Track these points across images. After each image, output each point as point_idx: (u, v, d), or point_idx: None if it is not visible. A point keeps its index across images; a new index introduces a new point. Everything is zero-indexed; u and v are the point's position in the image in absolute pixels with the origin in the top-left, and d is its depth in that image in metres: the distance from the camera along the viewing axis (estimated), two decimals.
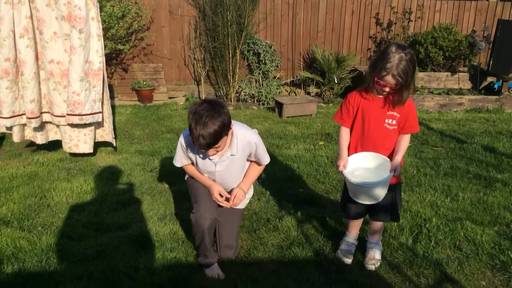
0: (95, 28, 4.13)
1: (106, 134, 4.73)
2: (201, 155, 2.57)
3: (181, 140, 2.58)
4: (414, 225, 3.21)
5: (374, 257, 2.77)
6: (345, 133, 2.63)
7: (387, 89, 2.37)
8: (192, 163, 2.71)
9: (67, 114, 4.24)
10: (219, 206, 2.69)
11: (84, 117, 4.26)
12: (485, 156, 4.77)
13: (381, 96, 2.48)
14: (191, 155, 2.59)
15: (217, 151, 2.41)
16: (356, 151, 2.61)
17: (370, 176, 2.49)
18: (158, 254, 2.84)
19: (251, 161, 2.77)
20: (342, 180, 3.66)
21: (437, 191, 3.85)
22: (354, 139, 2.62)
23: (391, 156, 2.52)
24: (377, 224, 2.81)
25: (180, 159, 2.68)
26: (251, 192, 2.94)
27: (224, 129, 2.31)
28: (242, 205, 2.84)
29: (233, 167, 2.64)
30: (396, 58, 2.28)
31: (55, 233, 3.11)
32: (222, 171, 2.60)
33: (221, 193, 2.63)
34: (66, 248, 2.92)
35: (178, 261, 2.79)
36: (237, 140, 2.53)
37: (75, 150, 4.52)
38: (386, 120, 2.51)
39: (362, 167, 2.55)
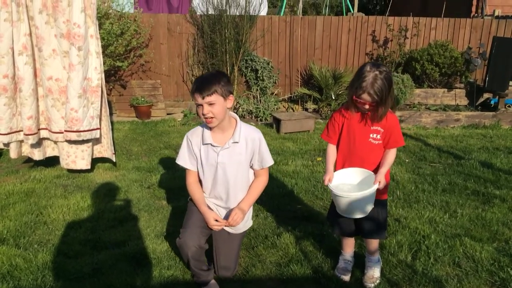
0: (94, 45, 4.16)
1: (104, 150, 4.73)
2: (204, 144, 2.52)
3: (188, 134, 2.59)
4: (413, 241, 3.20)
5: (373, 276, 2.74)
6: (331, 149, 2.69)
7: (366, 106, 2.43)
8: (198, 171, 2.65)
9: (65, 131, 4.24)
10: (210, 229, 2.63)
11: (82, 133, 4.26)
12: (483, 172, 4.77)
13: (364, 112, 2.52)
14: (196, 148, 2.55)
15: (213, 114, 2.36)
16: (343, 167, 2.65)
17: (356, 190, 2.52)
18: (155, 272, 2.81)
19: (254, 172, 2.70)
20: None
21: (436, 207, 3.84)
22: (341, 155, 2.67)
23: (377, 171, 2.54)
24: (370, 242, 2.79)
25: (184, 157, 2.61)
26: (250, 222, 2.84)
27: (222, 87, 2.37)
28: (242, 228, 2.74)
29: (236, 163, 2.55)
30: (370, 77, 2.35)
31: (51, 250, 3.08)
32: (224, 164, 2.52)
33: (217, 219, 2.55)
34: (62, 266, 2.88)
35: (175, 279, 2.76)
36: (240, 130, 2.53)
37: (73, 166, 4.51)
38: (371, 135, 2.56)
39: (348, 182, 2.58)
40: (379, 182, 2.43)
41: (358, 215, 2.52)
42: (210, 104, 2.35)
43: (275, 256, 3.04)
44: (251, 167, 2.66)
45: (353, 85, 2.44)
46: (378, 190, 2.46)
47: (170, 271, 2.83)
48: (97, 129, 4.38)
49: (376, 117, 2.48)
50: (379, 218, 2.66)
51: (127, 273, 2.78)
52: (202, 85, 2.34)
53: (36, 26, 4.05)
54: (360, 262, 2.91)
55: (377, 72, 2.35)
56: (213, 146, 2.51)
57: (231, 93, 2.46)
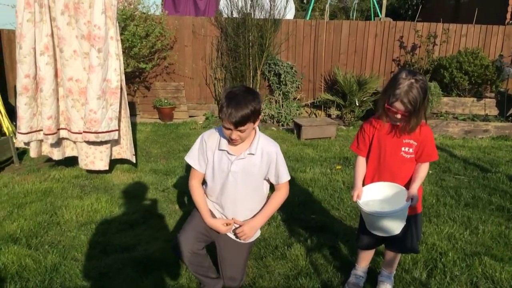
0: (114, 47, 4.18)
1: (123, 151, 4.76)
2: (220, 150, 2.44)
3: (204, 135, 2.49)
4: (429, 258, 3.06)
5: None
6: (361, 162, 2.56)
7: (398, 116, 2.29)
8: (205, 175, 2.56)
9: (84, 132, 4.28)
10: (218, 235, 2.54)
11: (100, 134, 4.29)
12: (510, 187, 4.56)
13: (396, 124, 2.40)
14: (209, 152, 2.46)
15: (240, 138, 2.30)
16: (373, 181, 2.51)
17: (386, 206, 2.39)
18: (161, 280, 2.78)
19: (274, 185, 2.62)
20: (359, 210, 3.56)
21: (456, 222, 3.68)
22: (370, 169, 2.54)
23: (408, 186, 2.41)
24: (391, 255, 2.69)
25: (194, 156, 2.50)
26: (258, 232, 2.67)
27: (254, 114, 2.26)
28: (250, 239, 2.61)
29: (248, 174, 2.45)
30: (405, 85, 2.22)
31: (61, 252, 3.09)
32: (236, 173, 2.43)
33: (226, 223, 2.48)
34: (69, 268, 2.89)
35: (180, 287, 2.72)
36: (258, 142, 2.44)
37: (91, 167, 4.55)
38: (403, 148, 2.42)
39: (378, 198, 2.45)
40: (412, 199, 2.30)
41: (389, 234, 2.38)
42: (241, 131, 2.28)
43: (284, 268, 2.97)
44: (267, 180, 2.58)
45: (386, 92, 2.32)
46: (410, 206, 2.34)
47: (176, 278, 2.79)
48: (115, 130, 4.40)
49: (406, 129, 2.35)
50: (412, 232, 2.53)
51: (132, 279, 2.76)
52: (235, 114, 2.19)
53: (58, 27, 4.10)
54: (371, 278, 2.80)
55: (413, 80, 2.23)
56: (229, 154, 2.44)
57: (260, 112, 2.37)
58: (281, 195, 2.57)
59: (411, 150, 2.41)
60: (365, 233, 2.58)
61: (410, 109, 2.23)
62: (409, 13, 19.97)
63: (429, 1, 16.88)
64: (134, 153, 4.73)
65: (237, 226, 2.50)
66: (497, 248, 3.25)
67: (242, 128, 2.25)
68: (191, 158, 2.52)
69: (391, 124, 2.42)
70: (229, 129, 2.26)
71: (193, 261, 2.41)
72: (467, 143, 6.50)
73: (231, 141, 2.35)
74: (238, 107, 2.20)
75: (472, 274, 2.90)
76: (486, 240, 3.37)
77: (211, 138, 2.47)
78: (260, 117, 2.40)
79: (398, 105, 2.25)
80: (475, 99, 7.45)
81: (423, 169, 2.44)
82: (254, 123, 2.32)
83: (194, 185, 2.56)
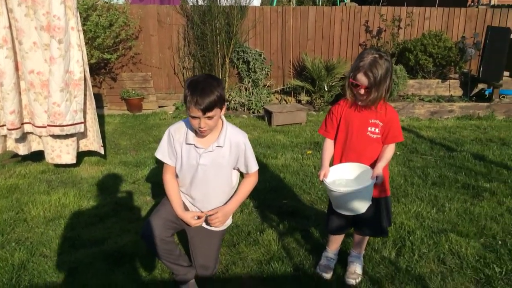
0: (75, 38, 4.06)
1: (90, 143, 4.66)
2: (187, 143, 2.41)
3: (170, 129, 2.46)
4: (398, 237, 3.14)
5: (355, 272, 2.69)
6: (329, 144, 2.61)
7: (361, 91, 2.34)
8: (177, 173, 2.54)
9: (48, 125, 4.16)
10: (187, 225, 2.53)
11: (65, 128, 4.19)
12: (475, 165, 4.71)
13: (362, 104, 2.44)
14: (177, 145, 2.43)
15: (208, 127, 2.28)
16: (340, 162, 2.56)
17: (352, 186, 2.42)
18: (133, 272, 2.75)
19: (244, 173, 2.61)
20: (326, 190, 3.59)
21: (424, 201, 3.78)
22: (338, 149, 2.58)
23: (374, 166, 2.45)
24: (362, 238, 2.75)
25: (163, 151, 2.48)
26: (230, 220, 2.68)
27: (220, 99, 2.24)
28: (222, 226, 2.62)
29: (217, 166, 2.44)
30: (369, 58, 2.30)
31: (29, 249, 3.02)
32: (205, 166, 2.41)
33: (197, 216, 2.46)
34: (38, 265, 2.82)
35: (153, 278, 2.71)
36: (225, 133, 2.42)
37: (58, 161, 4.44)
38: (369, 128, 2.46)
39: (345, 177, 2.49)
40: (376, 177, 2.34)
41: (354, 212, 2.41)
42: (209, 118, 2.25)
43: (257, 254, 2.98)
44: (237, 169, 2.57)
45: (351, 68, 2.39)
46: (376, 186, 2.38)
47: (148, 270, 2.77)
48: (81, 123, 4.30)
49: (367, 102, 2.38)
50: (381, 216, 2.58)
51: (103, 273, 2.72)
52: (202, 99, 2.17)
53: (15, 18, 3.95)
54: (342, 259, 2.85)
55: (376, 55, 2.30)
56: (197, 147, 2.41)
57: (225, 99, 2.36)
58: (251, 182, 2.58)
59: (377, 130, 2.45)
60: (334, 217, 2.63)
61: (372, 82, 2.28)
62: None
63: None
64: (102, 145, 4.64)
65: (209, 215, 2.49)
66: (462, 224, 3.36)
67: (210, 114, 2.22)
68: (161, 153, 2.49)
69: (357, 104, 2.45)
70: (197, 117, 2.23)
71: (163, 248, 2.39)
72: (433, 123, 6.66)
73: (199, 132, 2.32)
74: (204, 93, 2.18)
75: (439, 251, 2.99)
76: (452, 217, 3.48)
77: (177, 132, 2.44)
78: (225, 105, 2.38)
79: (360, 77, 2.31)
80: (439, 80, 7.61)
81: (389, 150, 2.49)
82: (221, 109, 2.31)
83: (168, 179, 2.53)
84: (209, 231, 2.56)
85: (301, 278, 2.70)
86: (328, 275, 2.71)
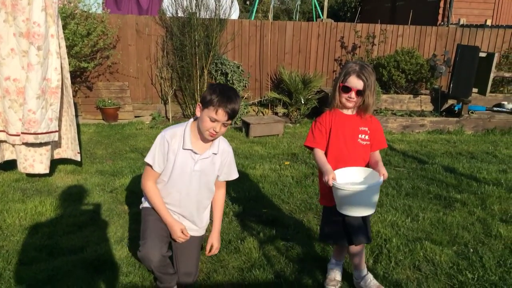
0: (55, 45, 4.04)
1: (63, 151, 4.59)
2: (184, 149, 2.38)
3: (166, 135, 2.37)
4: (375, 245, 3.22)
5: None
6: (320, 153, 2.55)
7: (352, 95, 2.40)
8: (167, 180, 2.49)
9: (22, 133, 4.07)
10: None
11: (39, 135, 4.10)
12: (446, 177, 4.87)
13: (350, 114, 2.51)
14: (171, 153, 2.37)
15: (221, 132, 2.32)
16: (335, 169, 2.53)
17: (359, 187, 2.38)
18: (113, 279, 2.73)
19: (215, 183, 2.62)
20: (312, 202, 3.64)
21: (398, 211, 3.88)
22: (330, 158, 2.53)
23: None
24: (359, 250, 2.68)
25: (154, 156, 2.39)
26: (207, 220, 2.72)
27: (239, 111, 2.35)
28: (201, 231, 2.66)
29: (207, 173, 2.46)
30: (357, 64, 2.41)
31: (5, 257, 2.95)
32: (198, 172, 2.42)
33: (184, 232, 2.47)
34: (15, 273, 2.76)
35: (134, 285, 2.69)
36: (219, 141, 2.47)
37: (30, 170, 4.33)
38: (359, 136, 2.52)
39: (352, 180, 2.48)
40: (383, 174, 2.37)
41: (366, 212, 2.38)
42: (225, 125, 2.30)
43: (238, 261, 3.01)
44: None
45: (338, 77, 2.45)
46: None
47: (129, 277, 2.75)
48: (55, 131, 4.21)
49: (365, 108, 2.44)
50: (368, 222, 2.64)
51: (83, 280, 2.69)
52: (232, 106, 2.22)
53: None
54: (321, 266, 2.90)
55: (363, 63, 2.43)
56: (194, 153, 2.39)
57: None
58: (223, 194, 2.67)
59: (366, 137, 2.53)
60: (329, 232, 2.64)
61: (365, 83, 2.36)
62: (348, 15, 20.70)
63: (367, 3, 17.58)
64: (79, 151, 4.57)
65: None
66: (436, 233, 3.47)
67: (229, 121, 2.29)
68: (151, 158, 2.41)
69: (344, 113, 2.52)
70: (218, 121, 2.26)
71: (162, 264, 2.39)
72: (405, 137, 6.85)
73: (210, 136, 2.32)
74: (233, 101, 2.25)
75: (414, 258, 3.08)
76: (426, 226, 3.59)
77: (173, 138, 2.39)
78: None
79: (353, 79, 2.38)
80: (411, 96, 7.86)
81: (378, 155, 2.58)
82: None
83: (151, 186, 2.47)
84: (191, 239, 2.57)
85: (282, 285, 2.73)
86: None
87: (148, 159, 2.42)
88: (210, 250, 2.58)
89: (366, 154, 2.56)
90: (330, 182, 2.33)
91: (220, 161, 2.49)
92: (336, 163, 2.50)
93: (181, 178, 2.43)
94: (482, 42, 8.55)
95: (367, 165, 2.56)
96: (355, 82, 2.38)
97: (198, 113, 2.34)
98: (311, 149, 2.59)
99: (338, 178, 2.41)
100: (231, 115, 2.26)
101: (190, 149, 2.39)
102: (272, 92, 7.95)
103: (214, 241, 2.58)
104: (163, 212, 2.46)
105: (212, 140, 2.41)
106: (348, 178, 2.47)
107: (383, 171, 2.40)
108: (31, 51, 3.89)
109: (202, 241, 2.72)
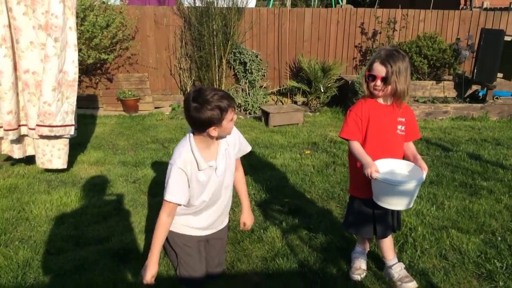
0: (73, 38, 4.05)
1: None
2: (201, 170, 2.23)
3: (177, 165, 2.15)
4: (400, 234, 3.17)
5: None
6: (358, 145, 2.46)
7: (378, 82, 2.33)
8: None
9: (37, 125, 4.08)
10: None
11: (54, 128, 4.10)
12: (471, 164, 4.77)
13: (387, 104, 2.44)
14: (191, 180, 2.21)
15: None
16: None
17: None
18: (139, 268, 2.75)
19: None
20: (334, 192, 3.62)
21: (423, 199, 3.82)
22: (369, 150, 2.44)
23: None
24: (389, 239, 2.66)
25: (177, 193, 2.15)
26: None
27: None
28: (226, 222, 2.55)
29: (230, 166, 2.37)
30: (386, 51, 2.34)
31: (33, 247, 3.01)
32: (221, 176, 2.31)
33: (152, 278, 2.25)
34: (43, 263, 2.82)
35: (159, 275, 2.70)
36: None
37: (48, 165, 4.34)
38: (398, 126, 2.47)
39: (397, 172, 2.41)
40: (425, 168, 2.32)
41: (405, 207, 2.33)
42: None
43: (261, 251, 3.01)
44: None
45: (368, 64, 2.40)
46: None
47: None
48: (71, 125, 4.22)
49: (398, 96, 2.35)
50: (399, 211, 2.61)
51: (109, 270, 2.73)
52: (230, 95, 2.20)
53: (13, 17, 3.93)
54: (345, 255, 2.88)
55: (393, 50, 2.34)
56: (210, 166, 2.26)
57: None
58: (242, 173, 2.57)
59: (403, 128, 2.48)
60: (358, 224, 2.61)
61: (389, 70, 2.27)
62: (367, 0, 20.33)
63: None
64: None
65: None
66: (462, 221, 3.41)
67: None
68: (175, 194, 2.15)
69: (380, 103, 2.44)
70: (233, 117, 2.21)
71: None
72: (428, 124, 6.73)
73: (227, 134, 2.29)
74: (224, 94, 2.17)
75: (441, 247, 3.03)
76: (452, 214, 3.53)
77: (188, 166, 2.20)
78: None
79: (376, 66, 2.31)
80: (434, 82, 7.69)
81: (413, 146, 2.52)
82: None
83: (165, 221, 2.21)
84: (223, 230, 2.50)
85: (307, 274, 2.73)
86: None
87: (171, 196, 2.14)
88: (244, 226, 2.54)
89: (402, 145, 2.51)
90: (374, 175, 2.25)
91: (233, 148, 2.41)
92: (375, 155, 2.40)
93: (210, 189, 2.31)
94: (507, 26, 8.28)
95: (403, 157, 2.51)
96: (379, 70, 2.32)
97: (215, 134, 2.16)
98: (347, 140, 2.51)
99: (380, 169, 2.33)
100: (231, 103, 2.19)
101: (205, 168, 2.24)
102: (291, 81, 7.89)
103: (247, 219, 2.53)
104: (157, 249, 2.26)
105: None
106: (388, 170, 2.39)
107: (424, 165, 2.34)
108: (48, 42, 3.90)
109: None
